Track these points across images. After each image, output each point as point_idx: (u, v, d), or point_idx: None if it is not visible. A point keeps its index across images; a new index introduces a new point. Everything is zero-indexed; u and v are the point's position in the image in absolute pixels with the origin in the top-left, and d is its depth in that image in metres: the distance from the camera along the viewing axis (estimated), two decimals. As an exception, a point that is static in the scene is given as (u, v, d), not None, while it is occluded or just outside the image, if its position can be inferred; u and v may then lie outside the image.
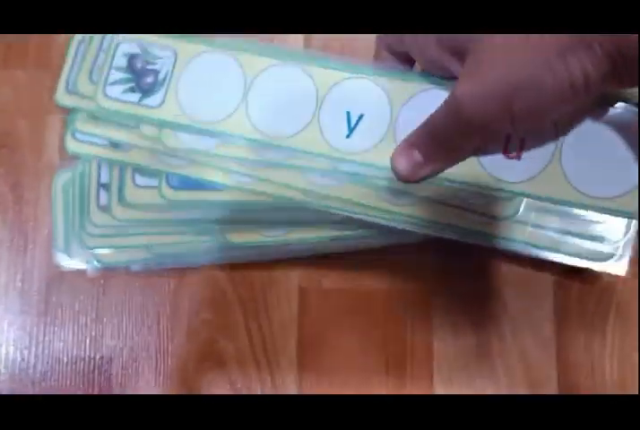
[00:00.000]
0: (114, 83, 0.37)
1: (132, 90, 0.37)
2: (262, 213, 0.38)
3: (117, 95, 0.37)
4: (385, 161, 0.30)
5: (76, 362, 0.39)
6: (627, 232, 0.37)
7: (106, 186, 0.38)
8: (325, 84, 0.34)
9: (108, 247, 0.39)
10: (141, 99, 0.36)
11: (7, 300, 0.40)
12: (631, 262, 0.36)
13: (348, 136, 0.34)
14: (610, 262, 0.36)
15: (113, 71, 0.37)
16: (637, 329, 0.38)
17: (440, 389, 0.38)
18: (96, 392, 0.39)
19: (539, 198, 0.31)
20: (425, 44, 0.28)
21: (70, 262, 0.39)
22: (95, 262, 0.39)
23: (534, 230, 0.36)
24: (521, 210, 0.36)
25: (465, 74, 0.26)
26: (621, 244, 0.36)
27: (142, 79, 0.37)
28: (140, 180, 0.38)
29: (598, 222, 0.36)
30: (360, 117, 0.34)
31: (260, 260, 0.39)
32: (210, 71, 0.36)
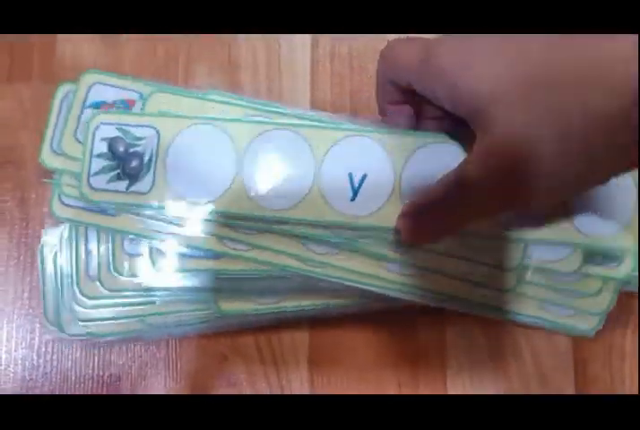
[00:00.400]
0: (97, 173, 0.34)
1: (118, 177, 0.34)
2: (256, 281, 0.36)
3: (103, 185, 0.34)
4: (391, 223, 0.30)
5: (84, 381, 0.39)
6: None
7: (95, 255, 0.36)
8: (323, 145, 0.33)
9: (101, 319, 0.37)
10: (129, 187, 0.34)
11: (15, 318, 0.40)
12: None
13: (352, 199, 0.33)
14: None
15: (94, 159, 0.34)
16: (638, 330, 0.39)
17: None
18: (104, 411, 0.39)
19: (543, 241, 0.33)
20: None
21: (61, 335, 0.37)
22: (87, 335, 0.37)
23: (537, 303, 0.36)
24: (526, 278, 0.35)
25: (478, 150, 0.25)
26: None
27: (126, 164, 0.34)
28: (129, 248, 0.36)
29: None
30: (363, 178, 0.33)
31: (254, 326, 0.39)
32: (197, 145, 0.34)
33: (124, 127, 0.34)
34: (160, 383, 0.40)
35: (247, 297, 0.37)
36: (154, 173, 0.34)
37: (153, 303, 0.37)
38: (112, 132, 0.34)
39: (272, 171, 0.33)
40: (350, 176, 0.33)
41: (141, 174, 0.34)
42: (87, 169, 0.34)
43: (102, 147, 0.34)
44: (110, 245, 0.36)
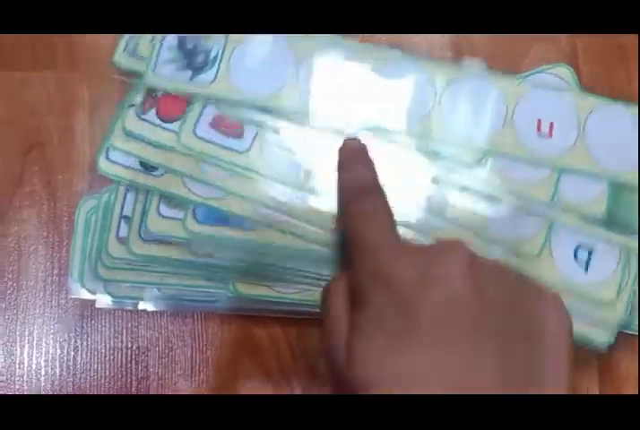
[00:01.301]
0: (165, 62, 0.38)
1: (183, 68, 0.38)
2: (280, 260, 0.38)
3: (168, 73, 0.38)
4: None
5: (114, 353, 0.41)
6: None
7: (127, 219, 0.39)
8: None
9: (121, 281, 0.39)
10: (192, 77, 0.38)
11: (45, 294, 0.41)
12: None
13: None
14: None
15: (164, 50, 0.38)
16: (638, 329, 0.39)
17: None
18: (134, 382, 0.40)
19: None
20: None
21: (81, 291, 0.39)
22: (106, 295, 0.39)
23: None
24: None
25: None
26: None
27: (193, 58, 0.38)
28: (165, 211, 0.38)
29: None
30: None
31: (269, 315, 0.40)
32: (261, 50, 0.38)
33: None
34: (186, 355, 0.41)
35: (266, 282, 0.38)
36: (218, 68, 0.38)
37: (174, 274, 0.39)
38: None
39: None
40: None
41: (205, 67, 0.38)
42: (155, 57, 0.38)
43: (173, 41, 0.38)
44: (145, 207, 0.38)
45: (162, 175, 0.38)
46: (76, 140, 0.42)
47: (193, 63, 0.38)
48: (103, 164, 0.39)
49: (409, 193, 0.37)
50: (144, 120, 0.39)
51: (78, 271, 0.40)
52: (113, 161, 0.39)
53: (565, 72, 0.41)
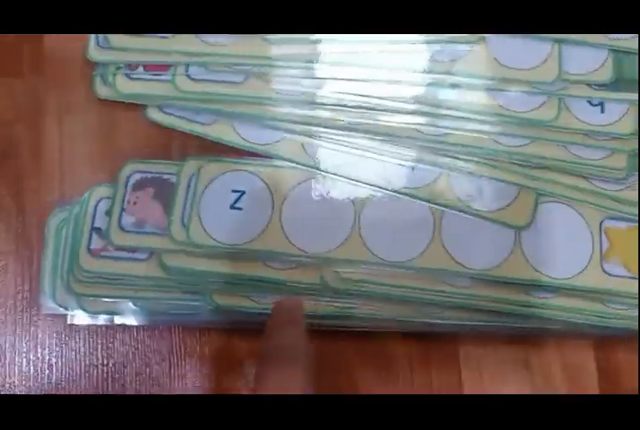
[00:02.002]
0: None
1: None
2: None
3: None
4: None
5: (89, 370, 0.40)
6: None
7: (99, 231, 0.38)
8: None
9: (94, 296, 0.38)
10: None
11: (16, 311, 0.40)
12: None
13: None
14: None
15: None
16: (638, 329, 0.39)
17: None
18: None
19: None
20: None
21: (54, 307, 0.38)
22: (79, 310, 0.38)
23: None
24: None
25: None
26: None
27: None
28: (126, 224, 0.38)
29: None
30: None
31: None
32: None
33: None
34: (164, 370, 0.40)
35: (245, 293, 0.38)
36: None
37: (149, 287, 0.38)
38: None
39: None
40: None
41: None
42: None
43: None
44: (114, 220, 0.38)
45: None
46: (45, 149, 0.41)
47: None
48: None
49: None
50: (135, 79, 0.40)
51: (50, 286, 0.38)
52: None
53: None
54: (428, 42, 0.39)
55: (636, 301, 0.37)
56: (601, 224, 0.38)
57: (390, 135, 0.38)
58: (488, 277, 0.36)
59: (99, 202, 0.39)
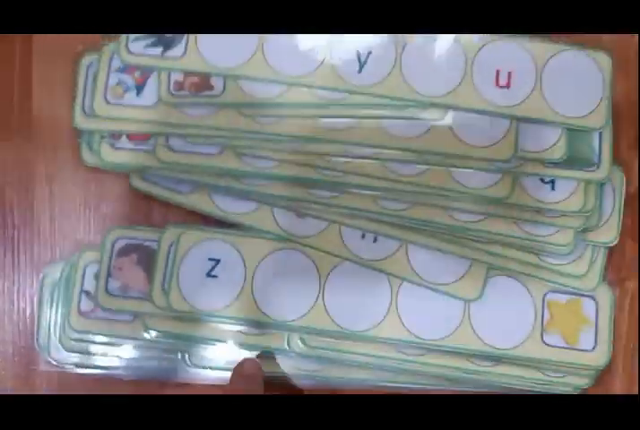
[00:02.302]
0: (136, 40, 0.42)
1: (154, 44, 0.42)
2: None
3: (140, 50, 0.42)
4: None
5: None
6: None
7: (88, 294, 0.42)
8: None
9: (83, 353, 0.42)
10: (163, 52, 0.41)
11: (13, 365, 0.44)
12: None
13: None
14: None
15: None
16: (638, 328, 0.43)
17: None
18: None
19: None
20: None
21: (48, 361, 0.42)
22: (70, 365, 0.42)
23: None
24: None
25: None
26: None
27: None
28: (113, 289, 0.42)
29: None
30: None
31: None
32: None
33: None
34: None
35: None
36: (187, 41, 0.41)
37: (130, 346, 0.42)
38: None
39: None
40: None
41: (175, 41, 0.41)
42: (126, 35, 0.42)
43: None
44: (101, 284, 0.42)
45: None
46: (36, 212, 0.44)
47: (162, 38, 0.42)
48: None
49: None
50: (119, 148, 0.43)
51: (44, 342, 0.42)
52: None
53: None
54: (391, 118, 0.41)
55: (571, 369, 0.41)
56: (544, 297, 0.41)
57: (353, 209, 0.41)
58: (438, 347, 0.40)
59: (87, 265, 0.42)
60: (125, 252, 0.42)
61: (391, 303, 0.41)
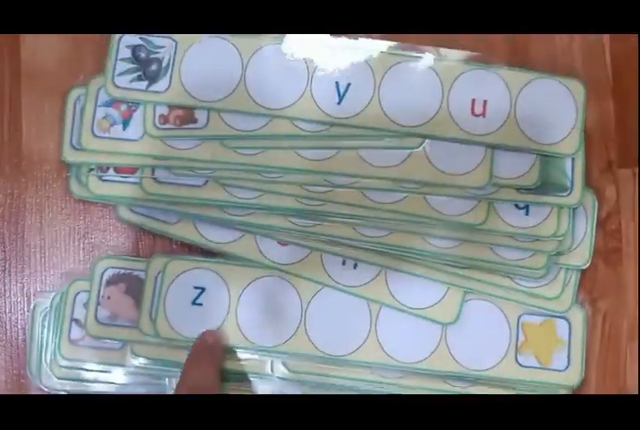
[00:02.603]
0: (121, 74, 0.44)
1: (139, 78, 0.43)
2: None
3: (126, 84, 0.43)
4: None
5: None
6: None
7: (78, 322, 0.44)
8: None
9: (74, 380, 0.44)
10: (148, 86, 0.43)
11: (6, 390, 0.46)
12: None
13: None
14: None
15: (119, 62, 0.43)
16: (638, 327, 0.44)
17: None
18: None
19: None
20: None
21: (40, 387, 0.44)
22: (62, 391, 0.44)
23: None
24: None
25: None
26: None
27: (147, 67, 0.43)
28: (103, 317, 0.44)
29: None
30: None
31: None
32: (209, 54, 0.43)
33: (145, 37, 0.43)
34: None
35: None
36: (171, 76, 0.43)
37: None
38: (136, 40, 0.44)
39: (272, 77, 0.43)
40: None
41: (159, 76, 0.43)
42: (112, 70, 0.43)
43: (127, 53, 0.44)
44: (90, 313, 0.43)
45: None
46: (27, 243, 0.46)
47: (147, 72, 0.43)
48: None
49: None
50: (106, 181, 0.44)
51: (36, 369, 0.44)
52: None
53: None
54: (369, 147, 0.43)
55: (545, 389, 0.43)
56: (518, 319, 0.43)
57: (333, 236, 0.43)
58: (415, 370, 0.42)
59: (77, 294, 0.44)
60: (113, 281, 0.44)
61: (370, 328, 0.42)
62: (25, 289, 0.46)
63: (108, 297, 0.44)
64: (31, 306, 0.45)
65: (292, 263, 0.43)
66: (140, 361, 0.43)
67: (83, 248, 0.46)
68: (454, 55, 0.44)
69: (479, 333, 0.43)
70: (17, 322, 0.46)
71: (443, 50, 0.44)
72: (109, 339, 0.43)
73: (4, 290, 0.46)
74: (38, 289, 0.46)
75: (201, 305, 0.43)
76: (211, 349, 0.41)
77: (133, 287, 0.44)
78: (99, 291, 0.44)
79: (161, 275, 0.43)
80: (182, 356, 0.42)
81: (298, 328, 0.42)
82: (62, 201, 0.46)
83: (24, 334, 0.45)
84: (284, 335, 0.42)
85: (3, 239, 0.46)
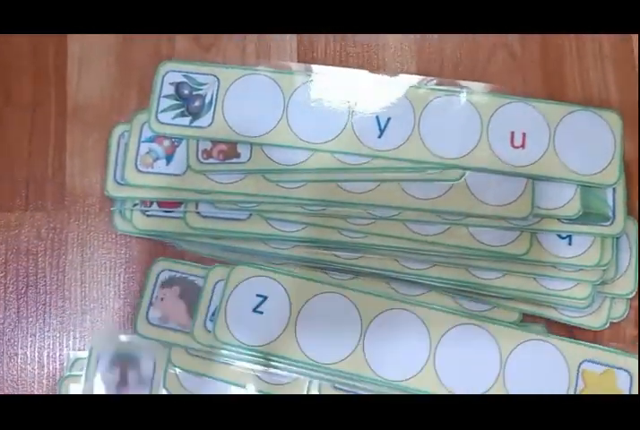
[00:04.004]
0: (165, 110, 0.46)
1: (182, 114, 0.46)
2: None
3: (169, 120, 0.46)
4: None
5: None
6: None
7: None
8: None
9: None
10: (191, 122, 0.46)
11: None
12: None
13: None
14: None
15: (163, 99, 0.46)
16: (638, 328, 0.45)
17: None
18: None
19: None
20: None
21: None
22: None
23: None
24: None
25: None
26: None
27: (190, 104, 0.46)
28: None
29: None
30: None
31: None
32: (250, 91, 0.46)
33: (188, 74, 0.46)
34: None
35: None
36: (214, 111, 0.46)
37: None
38: (179, 77, 0.47)
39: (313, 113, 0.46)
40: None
41: (202, 112, 0.46)
42: (155, 107, 0.46)
43: (170, 90, 0.46)
44: (142, 312, 0.46)
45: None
46: (68, 280, 0.47)
47: (190, 108, 0.46)
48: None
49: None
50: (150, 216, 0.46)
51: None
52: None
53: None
54: (410, 180, 0.45)
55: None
56: (579, 365, 0.44)
57: (375, 269, 0.45)
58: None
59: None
60: (169, 283, 0.46)
61: (429, 356, 0.43)
62: (64, 324, 0.47)
63: (162, 299, 0.46)
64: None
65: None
66: (176, 371, 0.44)
67: (122, 283, 0.47)
68: (490, 89, 0.46)
69: (538, 374, 0.43)
70: (56, 358, 0.47)
71: (479, 84, 0.46)
72: (156, 340, 0.45)
73: (44, 325, 0.47)
74: (77, 324, 0.47)
75: (261, 313, 0.44)
76: None
77: (187, 291, 0.46)
78: (152, 291, 0.46)
79: (225, 280, 0.45)
80: (217, 372, 0.44)
81: (355, 347, 0.43)
82: (104, 235, 0.48)
83: (62, 371, 0.46)
84: (341, 353, 0.43)
85: (44, 274, 0.48)
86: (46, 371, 0.47)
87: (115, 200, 0.47)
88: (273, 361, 0.44)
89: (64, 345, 0.47)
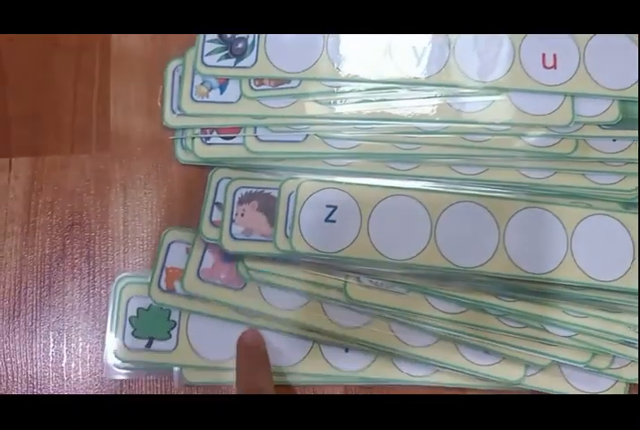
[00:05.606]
0: (210, 53, 0.49)
1: (226, 56, 0.49)
2: None
3: (214, 63, 0.49)
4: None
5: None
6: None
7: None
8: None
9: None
10: (236, 63, 0.48)
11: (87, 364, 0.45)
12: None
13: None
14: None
15: (207, 43, 0.49)
16: (638, 328, 0.46)
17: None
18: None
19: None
20: None
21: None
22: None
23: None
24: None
25: None
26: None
27: (233, 46, 0.49)
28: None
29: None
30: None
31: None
32: None
33: None
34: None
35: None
36: (257, 52, 0.49)
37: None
38: None
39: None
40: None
41: (246, 53, 0.48)
42: (200, 51, 0.49)
43: (213, 34, 0.50)
44: (225, 229, 0.47)
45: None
46: (110, 217, 0.48)
47: (234, 50, 0.49)
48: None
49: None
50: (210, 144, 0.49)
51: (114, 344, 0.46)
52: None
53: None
54: (456, 95, 0.49)
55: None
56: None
57: (432, 177, 0.48)
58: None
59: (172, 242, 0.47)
60: (246, 199, 0.47)
61: (498, 240, 0.46)
62: (109, 265, 0.48)
63: (242, 214, 0.47)
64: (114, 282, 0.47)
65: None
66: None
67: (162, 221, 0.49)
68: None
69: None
70: (100, 294, 0.47)
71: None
72: (245, 253, 0.47)
73: (89, 266, 0.48)
74: (122, 264, 0.48)
75: (334, 221, 0.45)
76: (259, 351, 0.44)
77: (264, 204, 0.47)
78: (232, 210, 0.47)
79: (295, 195, 0.47)
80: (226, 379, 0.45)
81: (428, 241, 0.45)
82: (145, 176, 0.50)
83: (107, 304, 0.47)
84: (415, 249, 0.45)
85: (88, 212, 0.48)
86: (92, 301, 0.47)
87: (175, 130, 0.49)
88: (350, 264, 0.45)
89: (109, 279, 0.48)
